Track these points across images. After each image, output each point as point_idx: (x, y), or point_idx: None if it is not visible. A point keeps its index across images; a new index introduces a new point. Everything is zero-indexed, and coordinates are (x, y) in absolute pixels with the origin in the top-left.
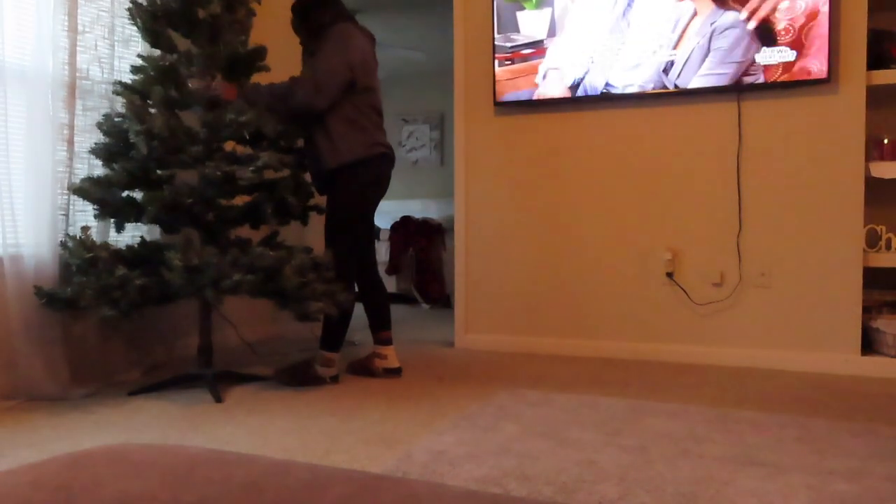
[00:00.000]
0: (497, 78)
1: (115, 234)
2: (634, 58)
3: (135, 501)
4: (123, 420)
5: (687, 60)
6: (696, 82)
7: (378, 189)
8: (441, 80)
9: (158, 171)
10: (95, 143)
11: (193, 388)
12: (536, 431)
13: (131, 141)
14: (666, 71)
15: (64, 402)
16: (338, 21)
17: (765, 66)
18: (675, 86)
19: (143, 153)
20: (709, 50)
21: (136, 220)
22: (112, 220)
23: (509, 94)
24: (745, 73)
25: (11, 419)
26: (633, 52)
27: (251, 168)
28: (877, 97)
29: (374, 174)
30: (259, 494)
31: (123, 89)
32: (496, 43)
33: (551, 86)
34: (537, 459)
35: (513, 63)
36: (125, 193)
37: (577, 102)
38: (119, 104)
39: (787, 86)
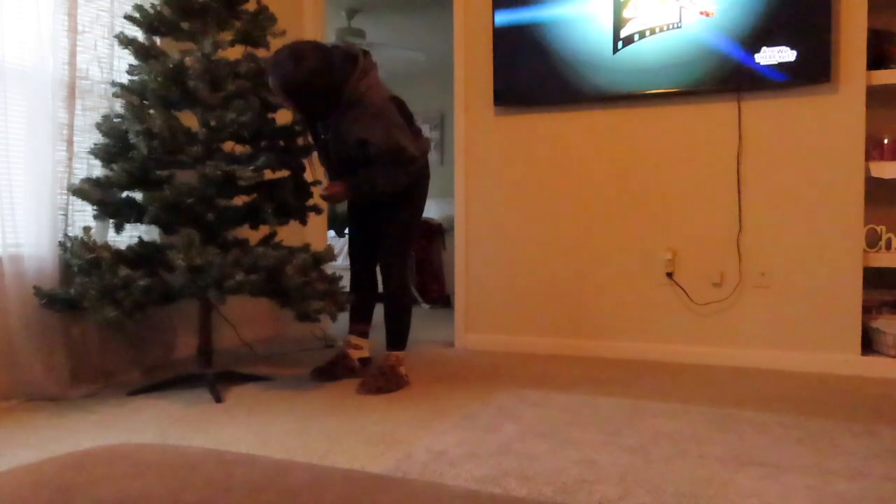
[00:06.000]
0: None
1: (115, 234)
2: None
3: (135, 501)
4: (123, 420)
5: None
6: None
7: (426, 189)
8: (441, 80)
9: (158, 172)
10: (95, 144)
11: (193, 388)
12: (536, 431)
13: (131, 141)
14: None
15: (64, 402)
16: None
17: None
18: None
19: (143, 153)
20: None
21: (137, 221)
22: (112, 220)
23: None
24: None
25: (11, 419)
26: None
27: (251, 168)
28: (877, 97)
29: (424, 179)
30: (259, 494)
31: (122, 89)
32: None
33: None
34: (537, 459)
35: None
36: (124, 194)
37: (576, 102)
38: (118, 104)
39: (787, 86)
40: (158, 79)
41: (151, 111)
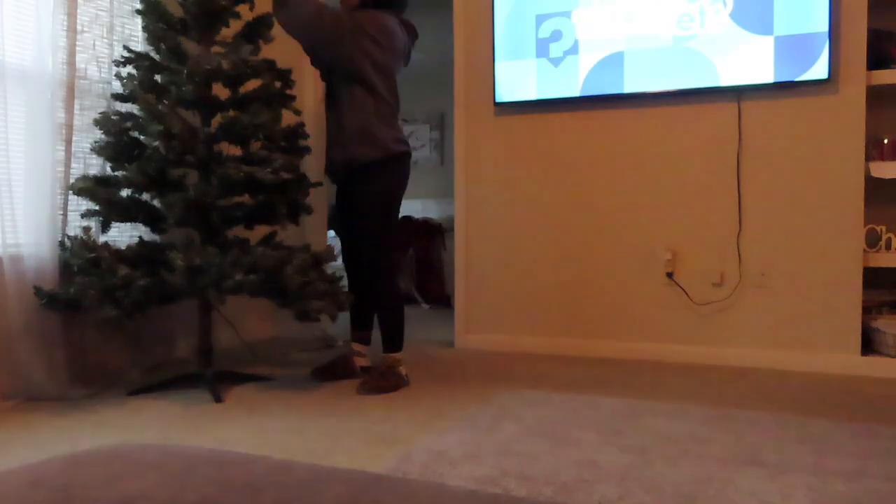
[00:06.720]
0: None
1: (111, 234)
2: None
3: (135, 501)
4: (123, 420)
5: None
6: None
7: (403, 188)
8: (441, 80)
9: (173, 171)
10: (95, 142)
11: (193, 388)
12: (536, 431)
13: (145, 142)
14: None
15: (64, 402)
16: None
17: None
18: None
19: (161, 154)
20: None
21: (142, 221)
22: (100, 219)
23: None
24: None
25: (11, 419)
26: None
27: (269, 170)
28: (877, 97)
29: (403, 171)
30: (259, 494)
31: (139, 88)
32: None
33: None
34: (537, 459)
35: None
36: (125, 193)
37: (576, 103)
38: (118, 103)
39: (787, 86)
40: (196, 79)
41: (165, 111)
